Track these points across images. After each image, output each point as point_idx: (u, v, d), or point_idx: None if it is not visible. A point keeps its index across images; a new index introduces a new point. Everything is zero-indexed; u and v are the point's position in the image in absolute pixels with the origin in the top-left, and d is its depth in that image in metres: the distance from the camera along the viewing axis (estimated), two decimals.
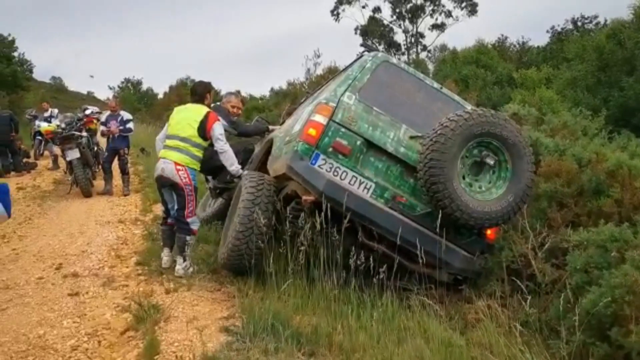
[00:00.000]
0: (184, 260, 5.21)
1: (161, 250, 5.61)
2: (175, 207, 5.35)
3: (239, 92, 6.41)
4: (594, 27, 36.95)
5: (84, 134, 10.94)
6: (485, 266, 4.71)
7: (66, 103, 35.59)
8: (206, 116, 5.29)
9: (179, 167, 5.18)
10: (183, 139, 5.27)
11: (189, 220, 5.26)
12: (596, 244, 3.86)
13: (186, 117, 5.36)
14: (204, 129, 5.25)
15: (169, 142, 5.35)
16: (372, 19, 48.10)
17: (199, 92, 5.60)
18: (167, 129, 5.46)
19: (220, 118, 5.50)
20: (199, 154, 5.33)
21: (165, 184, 5.32)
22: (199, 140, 5.28)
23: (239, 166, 5.50)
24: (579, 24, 39.20)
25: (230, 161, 5.40)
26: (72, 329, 4.08)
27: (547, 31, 40.85)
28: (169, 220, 5.50)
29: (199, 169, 5.46)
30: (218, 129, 5.30)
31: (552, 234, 4.45)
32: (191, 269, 5.24)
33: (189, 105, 5.58)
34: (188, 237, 5.25)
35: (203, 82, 5.79)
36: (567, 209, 4.91)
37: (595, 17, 38.60)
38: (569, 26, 39.50)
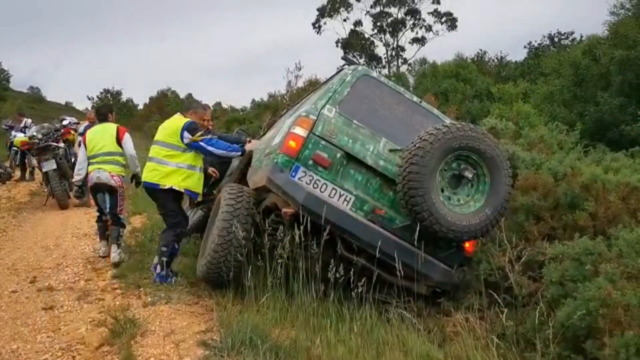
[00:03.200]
0: (118, 247, 6.26)
1: (99, 243, 6.68)
2: (109, 206, 6.41)
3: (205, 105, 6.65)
4: (570, 42, 37.72)
5: (61, 144, 10.81)
6: (464, 279, 4.74)
7: (44, 113, 35.10)
8: (117, 130, 6.55)
9: (112, 174, 6.34)
10: (108, 153, 6.42)
11: (121, 216, 6.48)
12: (571, 257, 3.91)
13: (103, 136, 6.51)
14: (118, 140, 6.48)
15: (95, 159, 6.41)
16: (353, 32, 48.44)
17: (102, 112, 6.98)
18: (88, 152, 6.50)
19: (127, 129, 6.73)
20: (124, 161, 6.60)
21: (101, 189, 6.43)
22: (120, 149, 6.50)
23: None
24: (556, 39, 39.99)
25: (136, 164, 6.60)
26: (46, 344, 4.01)
27: (525, 46, 41.74)
28: (104, 218, 6.57)
29: (124, 174, 6.57)
30: (127, 139, 6.55)
31: (529, 247, 4.51)
32: (123, 255, 6.27)
33: (99, 126, 6.71)
34: (122, 229, 6.45)
35: (105, 104, 7.28)
36: (544, 222, 4.97)
37: (572, 33, 39.47)
38: (546, 42, 40.30)
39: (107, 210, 6.45)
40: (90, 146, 6.48)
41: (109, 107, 7.15)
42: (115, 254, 6.18)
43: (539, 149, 7.04)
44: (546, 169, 5.47)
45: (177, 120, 5.53)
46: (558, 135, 8.37)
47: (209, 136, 5.58)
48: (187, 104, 6.13)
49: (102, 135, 6.50)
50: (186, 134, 5.35)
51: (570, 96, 23.65)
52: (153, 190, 5.47)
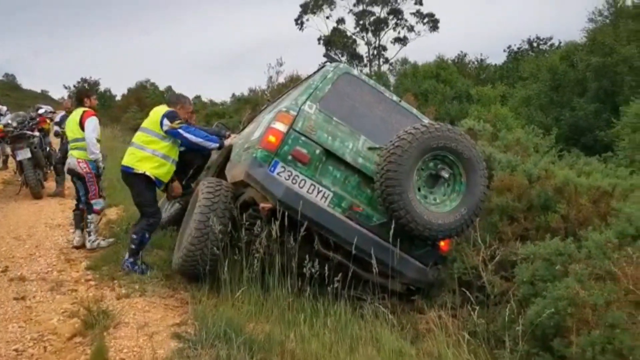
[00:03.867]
0: (89, 235, 6.34)
1: (74, 233, 6.65)
2: (82, 193, 6.50)
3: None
4: (549, 48, 38.33)
5: (36, 133, 10.63)
6: (438, 277, 4.80)
7: (19, 101, 34.46)
8: (82, 114, 6.47)
9: (79, 160, 6.36)
10: (74, 140, 6.50)
11: (92, 202, 6.38)
12: (542, 257, 4.00)
13: (72, 122, 6.58)
14: (81, 124, 6.41)
15: (69, 145, 6.58)
16: (335, 29, 48.54)
17: (78, 97, 6.98)
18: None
19: (95, 114, 6.58)
20: None
21: (74, 176, 6.56)
22: (84, 135, 6.36)
23: (99, 155, 6.36)
24: (535, 44, 40.57)
25: (91, 150, 6.30)
26: (17, 334, 3.96)
27: (504, 50, 42.17)
28: (80, 206, 6.60)
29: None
30: (88, 122, 6.37)
31: (502, 247, 4.59)
32: (97, 242, 6.32)
33: (73, 112, 6.74)
34: (90, 216, 6.37)
35: (81, 89, 7.40)
36: (517, 223, 5.07)
37: (550, 38, 40.11)
38: (525, 46, 40.84)
39: (83, 198, 6.51)
40: (67, 130, 6.69)
41: (85, 92, 7.03)
42: (88, 242, 6.32)
43: (515, 151, 7.14)
44: (521, 171, 5.57)
45: (160, 109, 5.58)
46: (534, 139, 8.50)
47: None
48: (176, 98, 6.03)
49: (70, 122, 6.63)
50: (165, 121, 5.36)
51: (547, 101, 24.05)
52: (127, 175, 5.47)
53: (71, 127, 6.56)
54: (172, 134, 5.41)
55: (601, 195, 4.92)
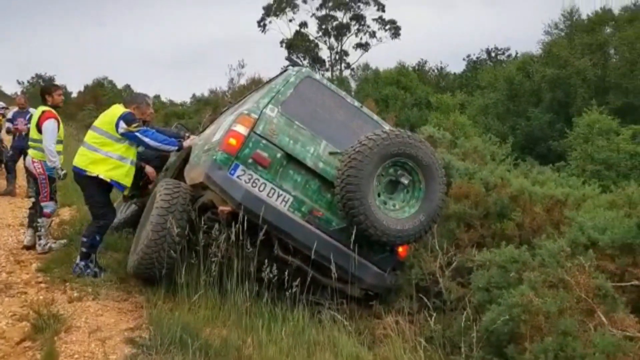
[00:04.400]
0: (39, 239, 6.12)
1: (26, 232, 6.44)
2: (35, 193, 6.40)
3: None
4: (506, 58, 39.29)
5: None
6: (396, 283, 4.84)
7: None
8: (41, 114, 6.16)
9: (33, 160, 6.19)
10: (32, 139, 6.31)
11: (42, 204, 6.16)
12: (497, 264, 4.08)
13: (32, 121, 6.41)
14: (38, 126, 6.12)
15: (29, 143, 6.41)
16: (298, 33, 48.54)
17: (40, 94, 6.52)
18: None
19: (54, 116, 6.14)
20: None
21: (30, 174, 6.56)
22: (41, 137, 6.06)
23: (57, 163, 6.00)
24: (493, 54, 41.54)
25: (50, 158, 5.96)
26: None
27: (464, 59, 43.02)
28: (36, 206, 6.36)
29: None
30: (45, 128, 6.00)
31: (459, 254, 4.67)
32: (48, 245, 6.06)
33: (36, 110, 6.52)
34: (40, 220, 6.09)
35: (42, 86, 6.88)
36: (474, 230, 5.17)
37: (508, 49, 41.18)
38: (484, 56, 41.77)
39: (35, 198, 6.37)
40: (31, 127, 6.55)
41: (47, 88, 6.53)
42: (38, 246, 6.09)
43: (472, 159, 7.30)
44: (478, 179, 5.68)
45: (116, 109, 5.41)
46: (491, 147, 8.71)
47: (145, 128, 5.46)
48: (132, 98, 5.89)
49: (32, 120, 6.50)
50: (122, 124, 5.22)
51: (503, 110, 24.67)
52: (80, 177, 5.32)
53: (32, 125, 6.36)
54: (128, 137, 5.27)
55: (554, 204, 5.06)
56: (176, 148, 5.51)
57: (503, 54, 41.11)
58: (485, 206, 5.30)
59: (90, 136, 5.39)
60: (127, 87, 41.83)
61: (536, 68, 24.43)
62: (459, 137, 10.46)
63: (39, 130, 6.10)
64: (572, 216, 4.40)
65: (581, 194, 5.26)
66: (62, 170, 6.05)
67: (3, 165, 10.90)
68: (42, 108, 6.25)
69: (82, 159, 5.30)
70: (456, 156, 7.21)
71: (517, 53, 37.13)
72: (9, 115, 10.53)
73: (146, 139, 5.28)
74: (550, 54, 24.46)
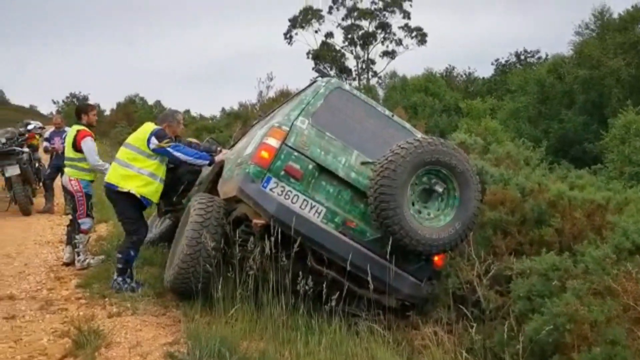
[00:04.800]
0: (78, 255, 6.25)
1: (65, 249, 6.60)
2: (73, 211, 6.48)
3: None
4: (536, 61, 38.70)
5: (25, 149, 10.54)
6: (432, 292, 4.77)
7: (7, 116, 34.25)
8: (76, 134, 6.31)
9: (70, 178, 6.32)
10: (68, 158, 6.42)
11: (79, 221, 6.30)
12: (538, 272, 3.98)
13: (68, 139, 6.48)
14: (75, 145, 6.28)
15: (65, 162, 6.52)
16: (324, 44, 48.70)
17: (75, 113, 6.84)
18: None
19: (89, 134, 6.36)
20: (86, 165, 6.31)
21: (67, 192, 6.60)
22: (79, 155, 6.30)
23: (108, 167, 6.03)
24: (522, 57, 40.95)
25: (101, 171, 6.16)
26: (7, 355, 3.86)
27: (492, 63, 42.52)
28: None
29: (91, 179, 6.43)
30: (84, 146, 6.23)
31: (497, 262, 4.57)
32: (87, 261, 6.22)
33: (70, 129, 6.68)
34: (78, 236, 6.25)
35: (78, 105, 7.04)
36: (511, 237, 5.06)
37: (537, 51, 40.50)
38: (513, 59, 41.21)
39: (73, 215, 6.47)
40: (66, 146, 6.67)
41: (82, 108, 6.77)
42: (77, 262, 6.23)
43: (506, 164, 7.17)
44: (514, 185, 5.58)
45: (147, 126, 5.51)
46: (524, 152, 8.56)
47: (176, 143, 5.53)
48: (163, 117, 5.96)
49: (67, 139, 6.59)
50: (153, 139, 5.31)
51: (535, 113, 24.26)
52: (111, 192, 5.42)
53: (66, 146, 6.51)
54: (160, 152, 5.36)
55: (595, 208, 4.92)
56: (208, 162, 5.56)
57: (533, 56, 40.50)
58: (522, 212, 5.19)
59: (122, 152, 5.49)
60: (158, 103, 42.46)
61: (568, 69, 23.99)
62: (491, 143, 10.31)
63: (76, 149, 6.29)
64: (615, 221, 4.28)
65: (623, 198, 5.11)
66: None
67: (41, 184, 11.18)
68: (76, 127, 6.44)
69: (114, 175, 5.41)
70: (489, 162, 7.10)
71: (547, 55, 36.57)
72: (46, 134, 10.82)
73: (177, 154, 5.34)
74: (581, 55, 23.99)
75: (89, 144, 6.27)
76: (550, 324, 3.27)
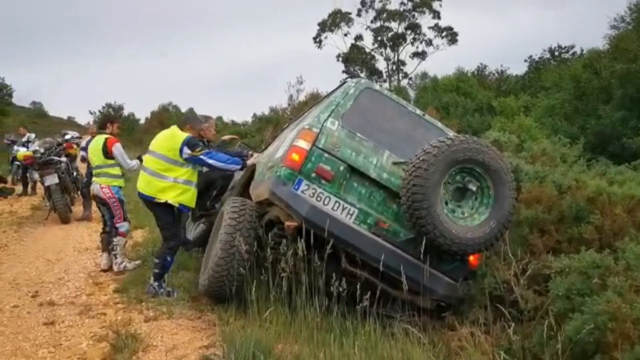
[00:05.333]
0: (116, 258, 6.43)
1: (101, 256, 6.73)
2: (108, 217, 6.64)
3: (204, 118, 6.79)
4: (571, 56, 37.85)
5: (63, 159, 10.81)
6: (468, 293, 4.69)
7: (46, 128, 35.11)
8: (105, 141, 6.59)
9: (102, 186, 6.52)
10: (97, 167, 6.64)
11: (117, 225, 6.50)
12: (578, 270, 3.87)
13: (92, 150, 6.72)
14: (106, 152, 6.54)
15: (93, 172, 6.74)
16: (354, 46, 48.69)
17: (101, 123, 7.24)
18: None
19: (117, 140, 6.70)
20: (116, 171, 6.62)
21: (98, 201, 6.72)
22: (109, 162, 6.56)
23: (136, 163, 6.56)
24: (556, 53, 40.10)
25: (132, 168, 6.60)
26: (47, 359, 3.95)
27: (525, 60, 41.72)
28: (107, 230, 6.69)
29: (120, 184, 6.67)
30: (116, 151, 6.55)
31: (534, 260, 4.46)
32: (123, 265, 6.40)
33: (94, 139, 6.95)
34: (116, 239, 6.45)
35: (105, 115, 7.66)
36: (548, 235, 4.94)
37: (572, 47, 39.56)
38: (547, 55, 40.39)
39: (109, 222, 6.62)
40: (90, 156, 6.87)
41: (108, 117, 7.18)
42: (114, 266, 6.43)
43: (542, 162, 7.02)
44: (550, 182, 5.45)
45: (177, 136, 5.48)
46: (561, 149, 8.36)
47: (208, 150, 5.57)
48: (185, 119, 6.03)
49: (93, 149, 6.74)
50: (186, 149, 5.34)
51: (571, 110, 23.70)
52: (148, 202, 5.51)
53: (94, 153, 6.66)
54: (193, 161, 5.41)
55: (636, 204, 4.77)
56: (239, 167, 5.59)
57: (567, 52, 39.60)
58: (560, 210, 5.06)
59: (152, 162, 5.48)
60: (191, 109, 43.09)
61: (604, 64, 23.37)
62: (525, 141, 10.11)
63: (106, 156, 6.54)
64: None
65: None
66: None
67: (79, 192, 11.44)
68: (103, 136, 6.69)
69: (148, 187, 5.42)
70: (524, 160, 6.96)
71: (582, 50, 35.66)
72: (83, 144, 11.07)
73: (210, 161, 5.39)
74: (618, 49, 23.34)
75: (120, 149, 6.58)
76: (590, 323, 3.17)
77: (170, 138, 5.51)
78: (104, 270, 6.51)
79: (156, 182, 5.41)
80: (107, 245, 6.64)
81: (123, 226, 6.52)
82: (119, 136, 6.99)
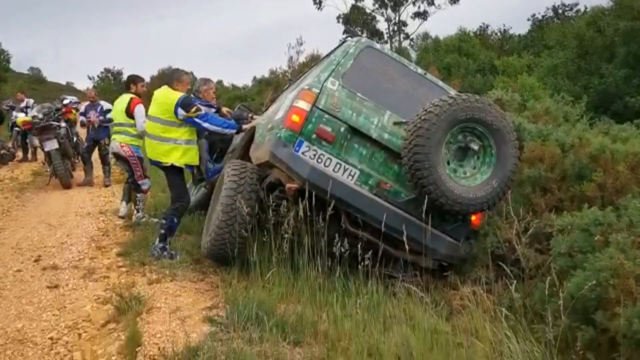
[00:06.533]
0: (137, 212, 6.94)
1: (121, 204, 7.40)
2: (129, 174, 7.01)
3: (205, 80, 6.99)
4: (575, 14, 37.18)
5: (63, 124, 10.71)
6: (470, 252, 4.70)
7: (45, 94, 34.94)
8: (129, 101, 6.88)
9: (122, 144, 6.80)
10: (118, 124, 6.97)
11: (139, 182, 6.85)
12: (580, 228, 3.85)
13: (116, 108, 7.11)
14: (128, 111, 6.84)
15: (113, 129, 7.10)
16: (354, 7, 47.76)
17: (125, 83, 7.42)
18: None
19: (141, 101, 6.93)
20: (136, 131, 6.82)
21: (118, 158, 7.07)
22: (131, 121, 6.83)
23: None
24: (560, 11, 39.41)
25: (142, 128, 6.38)
26: (51, 322, 4.00)
27: (528, 19, 41.03)
28: (129, 181, 7.14)
29: (140, 144, 6.82)
30: (138, 109, 6.79)
31: (536, 219, 4.43)
32: (144, 219, 6.79)
33: (119, 98, 7.19)
34: (139, 195, 6.94)
35: (129, 76, 7.44)
36: (551, 194, 4.92)
37: (576, 4, 38.80)
38: (550, 14, 39.70)
39: (130, 178, 7.08)
40: (113, 113, 7.29)
41: (131, 78, 7.31)
42: (134, 217, 6.96)
43: (544, 121, 6.95)
44: (553, 141, 5.40)
45: (170, 95, 5.41)
46: (563, 107, 8.27)
47: (204, 111, 5.48)
48: (170, 74, 5.93)
49: (116, 107, 7.13)
50: (180, 110, 5.30)
51: (574, 68, 23.42)
52: (157, 166, 5.60)
53: (117, 111, 7.02)
54: (188, 123, 5.38)
55: (639, 161, 4.72)
56: (235, 131, 5.55)
57: (571, 10, 38.86)
58: (562, 168, 5.02)
59: (152, 127, 5.50)
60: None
61: (608, 22, 22.98)
62: (528, 100, 10.00)
63: (128, 115, 6.84)
64: None
65: None
66: None
67: (80, 157, 11.41)
68: (128, 95, 6.99)
69: (154, 152, 5.48)
70: (527, 119, 6.88)
71: (586, 8, 35.00)
72: (82, 109, 10.97)
73: (205, 124, 5.36)
74: (622, 6, 22.90)
75: (142, 110, 6.75)
76: (592, 280, 3.16)
77: (164, 100, 5.44)
78: (121, 217, 7.23)
79: (159, 146, 5.43)
80: (127, 195, 7.27)
81: (145, 183, 6.91)
82: (144, 94, 7.22)
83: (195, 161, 5.58)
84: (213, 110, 6.45)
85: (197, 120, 5.32)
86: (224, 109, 6.86)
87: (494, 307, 3.82)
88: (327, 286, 4.24)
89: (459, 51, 31.28)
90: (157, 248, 5.32)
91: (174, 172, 5.50)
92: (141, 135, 6.69)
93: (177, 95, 5.38)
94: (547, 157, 5.10)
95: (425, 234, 4.39)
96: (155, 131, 5.44)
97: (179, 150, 5.40)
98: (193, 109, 5.32)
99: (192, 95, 6.11)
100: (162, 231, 5.37)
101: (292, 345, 3.47)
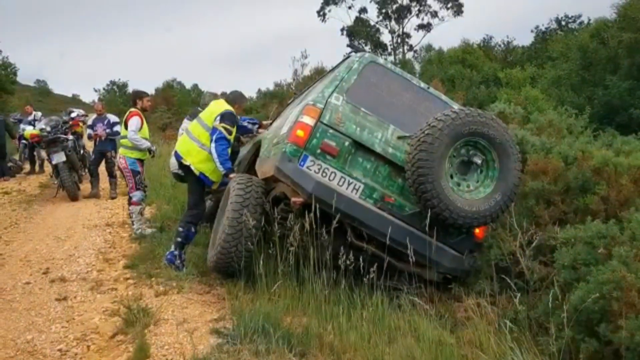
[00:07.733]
0: (132, 224, 7.15)
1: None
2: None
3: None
4: (578, 26, 37.24)
5: (70, 137, 10.84)
6: (474, 265, 4.73)
7: (51, 106, 35.23)
8: (128, 114, 7.29)
9: (120, 156, 7.28)
10: (122, 137, 7.39)
11: (130, 194, 7.15)
12: (583, 240, 3.88)
13: (122, 121, 7.51)
14: (126, 124, 7.22)
15: (119, 141, 7.58)
16: (358, 19, 48.09)
17: (131, 99, 7.82)
18: None
19: (137, 114, 7.26)
20: (130, 143, 7.12)
21: (121, 172, 7.41)
22: (127, 133, 7.14)
23: (145, 143, 7.18)
24: (563, 23, 39.48)
25: (137, 145, 7.10)
26: (60, 334, 4.05)
27: (532, 31, 41.08)
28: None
29: (137, 156, 7.17)
30: (131, 122, 7.14)
31: (540, 232, 4.47)
32: (139, 231, 6.92)
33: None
34: (130, 207, 7.13)
35: (134, 91, 7.99)
36: (554, 206, 4.94)
37: (579, 16, 38.86)
38: (553, 25, 39.77)
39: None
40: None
41: (136, 94, 7.64)
42: (133, 232, 7.06)
43: (548, 133, 6.98)
44: (556, 153, 5.42)
45: (224, 105, 5.65)
46: (567, 120, 8.30)
47: (225, 136, 5.46)
48: (234, 97, 5.92)
49: (122, 120, 7.61)
50: (218, 118, 5.48)
51: (578, 80, 23.46)
52: (180, 164, 5.71)
53: (122, 125, 7.56)
54: (213, 132, 5.47)
55: None
56: (223, 172, 5.48)
57: (574, 21, 38.92)
58: (566, 181, 5.05)
59: (194, 126, 5.73)
60: (195, 86, 42.98)
61: (611, 33, 23.05)
62: (532, 112, 10.03)
63: (126, 128, 7.18)
64: None
65: None
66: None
67: (87, 170, 11.51)
68: (130, 110, 7.35)
69: (182, 146, 5.71)
70: (530, 131, 6.91)
71: (589, 19, 35.06)
72: (89, 122, 11.10)
73: (212, 144, 5.45)
74: (625, 18, 22.98)
75: (135, 121, 7.14)
76: (596, 292, 3.19)
77: (215, 109, 5.63)
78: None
79: (188, 142, 5.63)
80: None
81: (135, 195, 7.11)
82: (151, 108, 7.52)
83: (212, 177, 5.59)
84: (257, 126, 6.66)
85: (215, 135, 5.41)
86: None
87: (498, 320, 3.86)
88: (333, 298, 4.29)
89: (463, 63, 31.43)
90: (173, 254, 5.41)
91: (194, 179, 5.61)
92: (138, 148, 7.12)
93: (227, 107, 5.58)
94: (550, 170, 5.13)
95: (430, 247, 4.44)
96: (194, 130, 5.66)
97: (202, 154, 5.53)
98: (226, 125, 5.43)
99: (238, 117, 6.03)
100: (179, 239, 5.48)
101: (298, 357, 3.51)
